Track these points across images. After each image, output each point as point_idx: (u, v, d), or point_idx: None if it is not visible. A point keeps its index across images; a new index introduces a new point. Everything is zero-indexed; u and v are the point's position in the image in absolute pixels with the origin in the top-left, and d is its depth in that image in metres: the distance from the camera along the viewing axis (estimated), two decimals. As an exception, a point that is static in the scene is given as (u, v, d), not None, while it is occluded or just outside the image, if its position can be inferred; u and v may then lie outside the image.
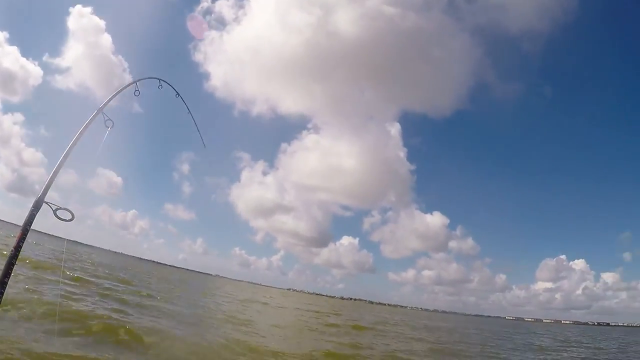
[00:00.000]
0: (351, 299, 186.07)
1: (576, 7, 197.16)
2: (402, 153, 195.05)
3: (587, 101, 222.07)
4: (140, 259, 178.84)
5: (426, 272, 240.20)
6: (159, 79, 4.05)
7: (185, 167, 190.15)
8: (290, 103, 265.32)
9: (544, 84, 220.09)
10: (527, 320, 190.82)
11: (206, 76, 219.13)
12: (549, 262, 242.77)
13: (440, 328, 34.34)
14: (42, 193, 2.68)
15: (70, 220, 2.84)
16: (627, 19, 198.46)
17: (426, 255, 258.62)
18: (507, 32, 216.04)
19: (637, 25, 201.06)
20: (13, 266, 2.48)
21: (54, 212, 2.77)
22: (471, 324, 57.54)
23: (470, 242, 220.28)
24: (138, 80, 3.84)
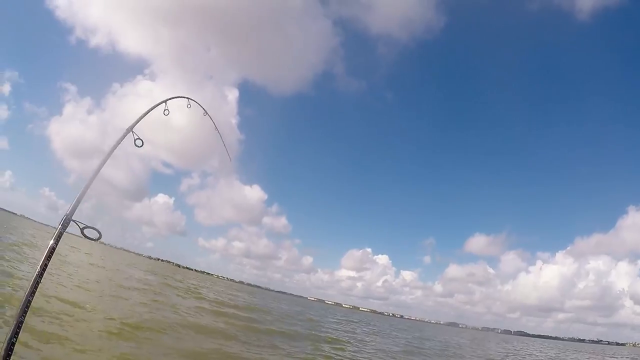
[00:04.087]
0: (158, 259, 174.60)
1: (438, 28, 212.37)
2: (234, 120, 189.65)
3: (423, 110, 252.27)
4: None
5: (237, 243, 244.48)
6: (188, 98, 4.02)
7: (6, 87, 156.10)
8: (132, 41, 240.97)
9: (387, 89, 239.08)
10: (328, 303, 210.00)
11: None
12: (355, 253, 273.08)
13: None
14: (70, 211, 2.60)
15: (98, 239, 2.74)
16: (477, 51, 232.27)
17: (239, 227, 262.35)
18: (367, 31, 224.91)
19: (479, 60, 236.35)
20: (38, 284, 2.36)
21: (81, 230, 2.68)
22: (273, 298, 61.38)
23: (283, 220, 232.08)
24: (168, 100, 3.81)
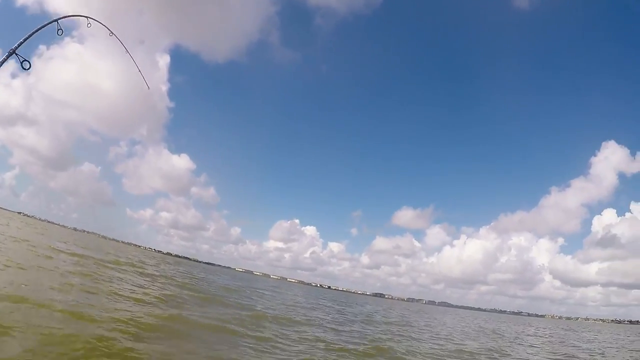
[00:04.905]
0: (84, 231, 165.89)
1: (377, 3, 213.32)
2: (164, 87, 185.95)
3: (357, 84, 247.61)
4: None
5: (164, 214, 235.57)
6: (87, 17, 3.62)
7: None
8: (61, 1, 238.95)
9: (323, 61, 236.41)
10: (256, 274, 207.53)
11: None
12: (283, 224, 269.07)
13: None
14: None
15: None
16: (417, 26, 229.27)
17: (167, 197, 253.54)
18: (306, 1, 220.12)
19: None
20: None
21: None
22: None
23: (212, 191, 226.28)
24: (60, 19, 3.44)
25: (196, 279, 31.06)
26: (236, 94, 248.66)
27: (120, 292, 12.84)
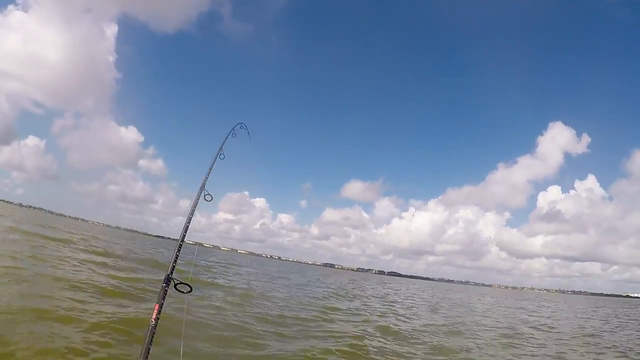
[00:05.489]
0: (30, 206, 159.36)
1: None
2: (111, 58, 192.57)
3: (307, 56, 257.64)
4: None
5: (112, 187, 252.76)
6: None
7: None
8: None
9: (274, 34, 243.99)
10: (206, 246, 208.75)
11: None
12: (233, 196, 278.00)
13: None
14: (170, 270, 3.11)
15: (189, 292, 3.22)
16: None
17: (114, 170, 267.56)
18: None
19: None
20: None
21: (175, 285, 3.16)
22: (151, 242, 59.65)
23: (160, 163, 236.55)
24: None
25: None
26: (185, 65, 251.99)
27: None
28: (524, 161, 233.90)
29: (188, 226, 3.46)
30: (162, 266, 18.82)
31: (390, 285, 50.19)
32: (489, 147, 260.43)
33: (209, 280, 17.65)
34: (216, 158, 4.18)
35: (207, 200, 3.61)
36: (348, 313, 14.50)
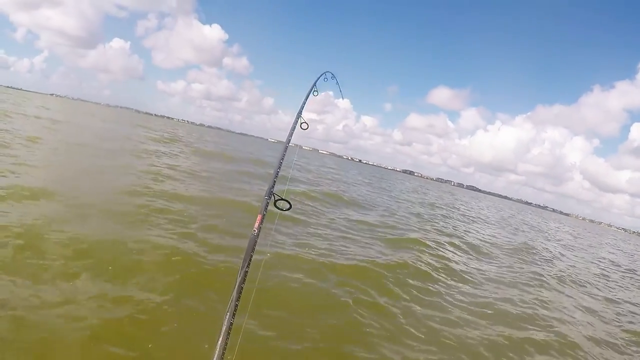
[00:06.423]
0: (117, 106, 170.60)
1: None
2: None
3: None
4: None
5: (196, 86, 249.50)
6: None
7: None
8: None
9: None
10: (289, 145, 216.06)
11: None
12: (314, 96, 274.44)
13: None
14: (272, 184, 3.07)
15: (288, 209, 3.17)
16: None
17: (198, 69, 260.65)
18: None
19: None
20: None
21: (275, 202, 3.12)
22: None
23: (244, 61, 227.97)
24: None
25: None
26: None
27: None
28: (623, 87, 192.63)
29: (285, 154, 3.34)
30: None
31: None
32: (586, 65, 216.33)
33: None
34: (309, 94, 4.19)
35: (303, 129, 3.56)
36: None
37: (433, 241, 11.09)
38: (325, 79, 4.54)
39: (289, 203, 3.01)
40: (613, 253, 25.13)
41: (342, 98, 5.11)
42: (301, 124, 3.64)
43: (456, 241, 12.31)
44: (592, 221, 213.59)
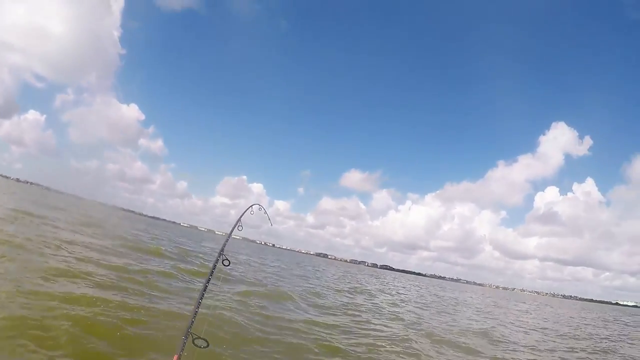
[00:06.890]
0: (28, 182, 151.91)
1: None
2: (117, 33, 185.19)
3: (314, 43, 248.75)
4: None
5: (110, 165, 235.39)
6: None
7: None
8: None
9: (282, 16, 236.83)
10: (201, 229, 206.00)
11: None
12: (231, 180, 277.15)
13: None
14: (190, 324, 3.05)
15: (206, 347, 2.99)
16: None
17: (113, 148, 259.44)
18: None
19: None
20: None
21: (193, 340, 2.96)
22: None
23: (160, 143, 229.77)
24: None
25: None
26: (191, 43, 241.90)
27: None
28: (525, 160, 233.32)
29: (207, 286, 3.47)
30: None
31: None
32: (491, 143, 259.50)
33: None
34: (234, 228, 4.60)
35: (224, 265, 3.66)
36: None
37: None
38: (252, 213, 4.99)
39: (207, 342, 2.95)
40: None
41: (271, 224, 5.40)
42: (223, 260, 3.67)
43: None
44: (505, 288, 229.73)
